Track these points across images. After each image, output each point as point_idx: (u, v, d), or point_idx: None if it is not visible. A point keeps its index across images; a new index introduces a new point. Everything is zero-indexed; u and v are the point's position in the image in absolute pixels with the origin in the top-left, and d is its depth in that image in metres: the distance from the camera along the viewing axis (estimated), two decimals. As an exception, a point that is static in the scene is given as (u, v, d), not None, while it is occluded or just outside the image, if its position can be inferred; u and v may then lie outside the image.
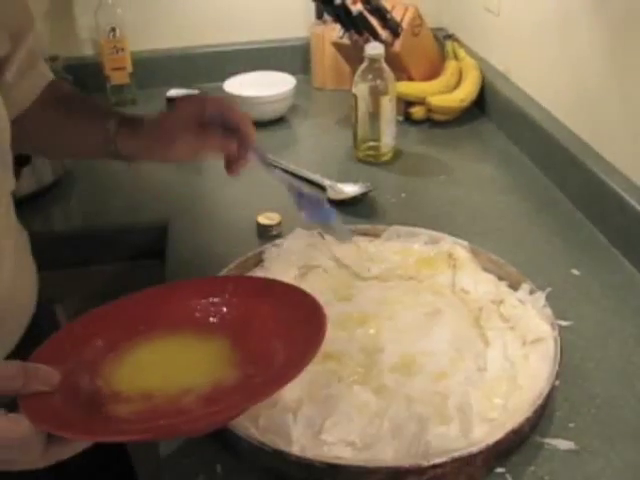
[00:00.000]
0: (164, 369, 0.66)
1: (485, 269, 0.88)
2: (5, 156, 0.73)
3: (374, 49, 1.19)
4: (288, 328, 0.66)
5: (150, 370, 0.66)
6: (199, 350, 0.68)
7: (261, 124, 1.40)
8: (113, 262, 1.13)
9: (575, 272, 0.94)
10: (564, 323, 0.83)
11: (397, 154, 1.27)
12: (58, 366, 0.59)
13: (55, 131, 0.87)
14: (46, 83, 0.87)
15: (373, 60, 1.19)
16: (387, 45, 1.28)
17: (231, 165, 0.80)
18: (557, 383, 0.72)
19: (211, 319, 0.71)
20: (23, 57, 0.82)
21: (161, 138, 0.80)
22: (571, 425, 0.71)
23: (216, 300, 0.72)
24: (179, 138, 0.79)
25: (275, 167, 0.79)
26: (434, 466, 0.63)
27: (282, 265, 0.90)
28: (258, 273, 0.89)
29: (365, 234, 0.95)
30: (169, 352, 0.68)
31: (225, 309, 0.72)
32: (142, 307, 0.71)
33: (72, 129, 0.86)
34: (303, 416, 0.68)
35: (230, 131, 0.78)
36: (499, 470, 0.67)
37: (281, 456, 0.64)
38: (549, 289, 0.82)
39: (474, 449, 0.64)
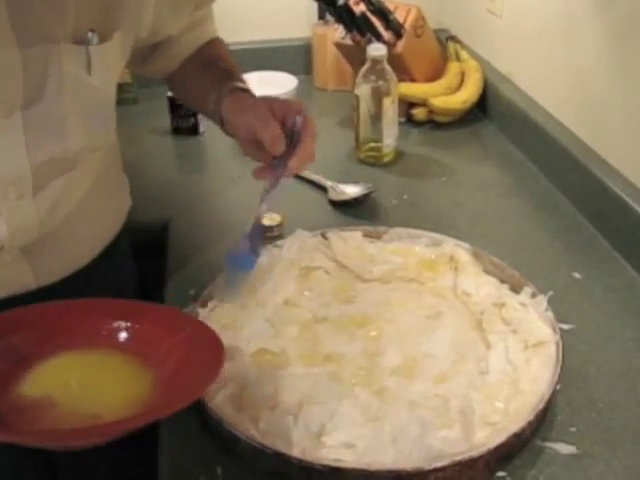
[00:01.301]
0: (71, 384, 0.66)
1: (487, 272, 0.88)
2: (107, 115, 0.80)
3: (376, 50, 1.19)
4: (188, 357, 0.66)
5: (58, 381, 0.65)
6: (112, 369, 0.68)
7: (262, 124, 1.40)
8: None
9: (577, 275, 0.94)
10: (565, 327, 0.83)
11: (399, 155, 1.27)
12: None
13: (187, 87, 0.95)
14: (204, 41, 0.94)
15: (375, 61, 1.19)
16: (389, 46, 1.27)
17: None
18: (558, 387, 0.72)
19: (120, 339, 0.71)
20: (197, 17, 0.91)
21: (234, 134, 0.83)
22: (572, 429, 0.71)
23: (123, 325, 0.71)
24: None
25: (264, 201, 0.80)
26: (435, 469, 0.63)
27: (283, 266, 0.89)
28: (259, 274, 0.89)
29: (367, 235, 0.95)
30: (79, 367, 0.68)
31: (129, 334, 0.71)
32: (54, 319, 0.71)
33: (197, 91, 0.92)
34: (304, 418, 0.68)
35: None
36: (500, 474, 0.66)
37: (282, 459, 0.64)
38: (551, 292, 0.82)
39: (475, 453, 0.64)
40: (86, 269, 0.85)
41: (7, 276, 0.76)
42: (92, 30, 0.71)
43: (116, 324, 0.71)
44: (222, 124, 0.85)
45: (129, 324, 0.71)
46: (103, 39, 0.72)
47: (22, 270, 0.77)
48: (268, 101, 0.81)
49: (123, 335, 0.70)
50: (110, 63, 0.75)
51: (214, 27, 0.96)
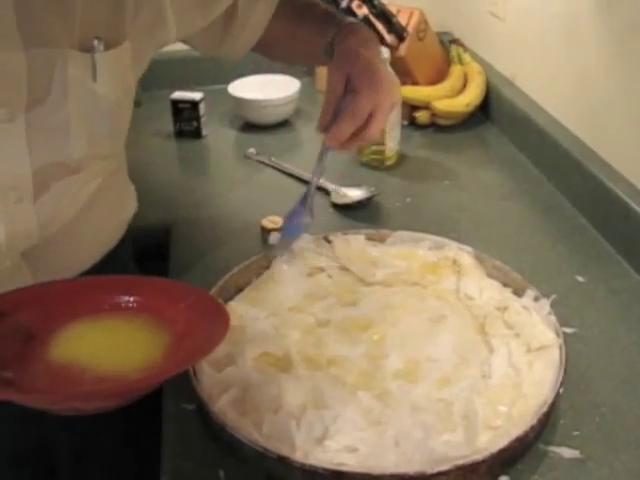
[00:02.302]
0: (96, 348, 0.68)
1: (489, 275, 0.88)
2: (114, 125, 0.80)
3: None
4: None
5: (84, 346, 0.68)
6: (128, 335, 0.70)
7: (266, 127, 1.40)
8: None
9: (579, 279, 0.93)
10: (568, 330, 0.83)
11: (401, 158, 1.27)
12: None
13: (286, 41, 0.95)
14: (274, 7, 0.92)
15: (378, 64, 1.19)
16: (392, 49, 1.28)
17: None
18: (562, 391, 0.71)
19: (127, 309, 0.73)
20: None
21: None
22: (575, 433, 0.71)
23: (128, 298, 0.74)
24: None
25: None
26: (438, 473, 0.63)
27: (286, 269, 0.89)
28: (262, 277, 0.89)
29: (370, 239, 0.95)
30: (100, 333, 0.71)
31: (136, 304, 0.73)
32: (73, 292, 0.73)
33: (301, 40, 0.92)
34: (306, 422, 0.68)
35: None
36: (503, 478, 0.66)
37: (284, 462, 0.64)
38: (554, 296, 0.82)
39: (478, 457, 0.64)
40: (87, 274, 0.85)
41: (7, 280, 0.76)
42: (98, 38, 0.71)
43: (119, 297, 0.72)
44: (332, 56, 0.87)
45: (134, 296, 0.73)
46: (109, 47, 0.72)
47: (22, 274, 0.77)
48: (350, 68, 0.84)
49: (129, 305, 0.72)
50: (118, 71, 0.75)
51: None
